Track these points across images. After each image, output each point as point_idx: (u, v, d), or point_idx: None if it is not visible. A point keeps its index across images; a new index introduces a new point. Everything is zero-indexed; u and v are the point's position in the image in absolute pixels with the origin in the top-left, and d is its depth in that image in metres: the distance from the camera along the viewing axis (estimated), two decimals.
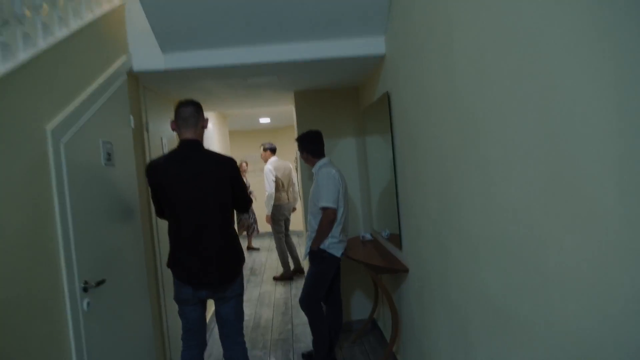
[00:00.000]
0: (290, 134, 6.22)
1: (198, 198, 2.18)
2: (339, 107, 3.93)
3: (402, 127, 2.52)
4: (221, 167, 2.26)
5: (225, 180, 2.25)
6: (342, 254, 3.01)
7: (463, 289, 1.76)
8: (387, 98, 2.74)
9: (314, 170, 3.12)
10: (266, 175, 5.60)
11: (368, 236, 3.64)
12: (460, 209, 1.73)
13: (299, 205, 5.99)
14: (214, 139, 5.28)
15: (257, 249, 7.90)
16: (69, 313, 1.68)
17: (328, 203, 2.89)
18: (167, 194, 2.20)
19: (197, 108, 2.29)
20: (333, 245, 2.96)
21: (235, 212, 2.45)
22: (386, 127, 2.81)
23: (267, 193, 5.55)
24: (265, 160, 5.74)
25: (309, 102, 3.93)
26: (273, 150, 5.78)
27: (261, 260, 7.10)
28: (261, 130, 8.97)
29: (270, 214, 5.55)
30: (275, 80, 3.22)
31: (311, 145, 3.13)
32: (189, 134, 2.24)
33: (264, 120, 7.61)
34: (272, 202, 5.54)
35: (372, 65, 2.96)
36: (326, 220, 2.91)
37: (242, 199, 2.40)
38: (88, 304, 1.80)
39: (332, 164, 3.12)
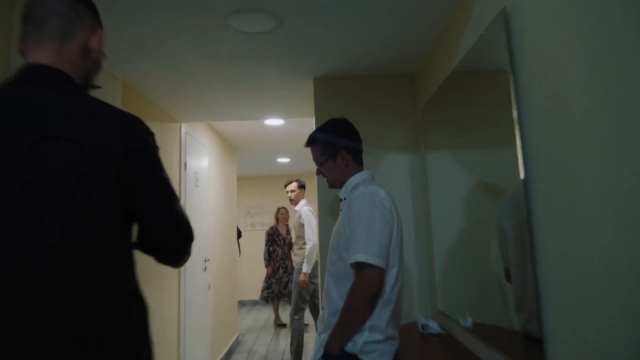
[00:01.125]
0: (316, 181, 4.79)
1: (27, 203, 0.76)
2: (380, 106, 2.49)
3: (557, 81, 1.03)
4: (107, 130, 0.83)
5: (109, 163, 0.81)
6: None
7: None
8: (502, 22, 1.27)
9: (341, 194, 1.61)
10: (308, 219, 4.01)
11: (433, 326, 2.00)
12: None
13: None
14: (213, 182, 3.86)
15: (285, 325, 5.84)
16: None
17: (369, 255, 1.34)
18: None
19: (73, 2, 0.91)
20: (373, 345, 1.37)
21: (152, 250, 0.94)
22: (483, 112, 1.33)
23: (310, 243, 3.91)
24: (296, 202, 4.22)
25: (334, 96, 2.51)
26: (304, 189, 4.34)
27: (266, 340, 5.38)
28: (279, 176, 7.62)
29: (309, 272, 3.90)
30: (279, 30, 1.82)
31: (351, 141, 1.63)
32: (42, 54, 0.88)
33: (283, 160, 6.29)
34: (314, 257, 3.89)
35: None
36: (364, 290, 1.35)
37: (163, 217, 0.90)
38: None
39: (376, 181, 1.61)
